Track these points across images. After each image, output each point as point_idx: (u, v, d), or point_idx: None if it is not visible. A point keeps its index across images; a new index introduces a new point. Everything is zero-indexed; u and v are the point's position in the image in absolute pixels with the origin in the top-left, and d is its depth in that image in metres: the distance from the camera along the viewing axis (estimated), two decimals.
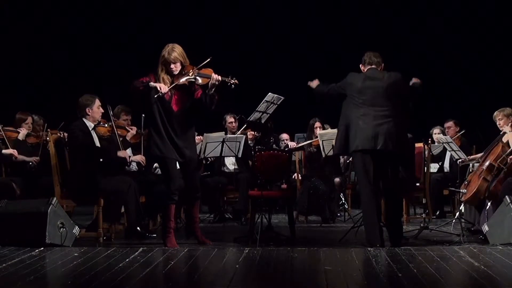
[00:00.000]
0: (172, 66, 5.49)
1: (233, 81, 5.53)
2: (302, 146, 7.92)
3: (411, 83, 5.75)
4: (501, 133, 6.45)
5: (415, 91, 5.74)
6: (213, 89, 5.50)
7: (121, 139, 6.60)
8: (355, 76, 5.70)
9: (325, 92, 5.83)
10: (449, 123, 8.25)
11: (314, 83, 5.94)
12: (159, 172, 7.40)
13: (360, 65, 5.81)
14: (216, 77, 5.47)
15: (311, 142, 7.79)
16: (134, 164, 6.93)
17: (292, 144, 8.05)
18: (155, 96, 5.43)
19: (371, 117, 5.51)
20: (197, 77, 5.53)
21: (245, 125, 7.89)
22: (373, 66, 5.73)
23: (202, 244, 5.72)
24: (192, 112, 5.62)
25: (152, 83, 5.43)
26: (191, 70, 5.52)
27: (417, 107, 6.03)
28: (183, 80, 5.49)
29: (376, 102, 5.54)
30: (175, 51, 5.48)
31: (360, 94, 5.58)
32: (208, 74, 5.53)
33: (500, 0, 10.43)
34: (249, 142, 7.80)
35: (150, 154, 5.68)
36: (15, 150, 6.66)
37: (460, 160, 7.29)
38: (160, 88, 5.40)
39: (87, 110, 6.18)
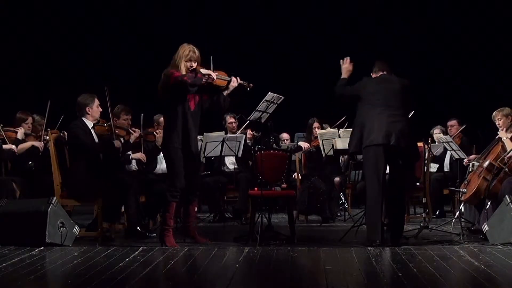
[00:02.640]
0: (194, 64, 5.60)
1: (248, 84, 5.79)
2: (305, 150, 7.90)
3: None
4: (496, 137, 6.44)
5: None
6: (230, 92, 5.72)
7: (123, 141, 6.59)
8: (369, 80, 5.84)
9: (339, 90, 5.85)
10: (452, 122, 8.22)
11: (346, 66, 5.88)
12: (159, 171, 7.43)
13: (372, 74, 5.92)
14: (236, 80, 5.71)
15: (312, 145, 7.77)
16: (134, 163, 6.94)
17: (305, 146, 7.94)
18: (205, 80, 5.58)
19: (385, 116, 5.61)
20: (217, 78, 5.68)
21: (245, 125, 7.89)
22: (384, 72, 5.86)
23: (200, 243, 5.71)
24: (201, 112, 5.74)
25: (204, 70, 5.58)
26: (208, 71, 5.64)
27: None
28: (212, 78, 5.62)
29: (390, 102, 5.66)
30: (197, 51, 5.62)
31: (375, 96, 5.69)
32: (225, 76, 5.72)
33: (500, 0, 10.43)
34: (247, 141, 7.78)
35: (168, 145, 5.61)
36: (14, 146, 6.65)
37: (465, 160, 7.28)
38: (211, 74, 5.59)
39: (87, 109, 6.19)
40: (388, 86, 5.73)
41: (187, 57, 5.57)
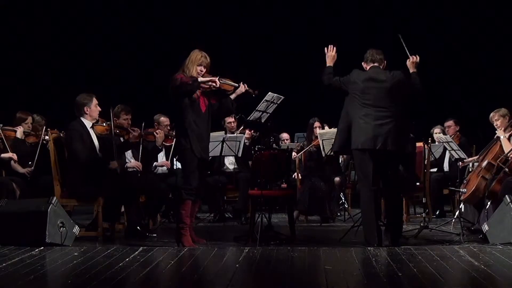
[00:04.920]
0: (204, 70, 5.66)
1: (254, 91, 5.91)
2: (305, 150, 7.89)
3: (407, 62, 5.78)
4: (495, 136, 6.44)
5: (416, 87, 5.74)
6: (236, 96, 5.82)
7: (122, 140, 6.59)
8: (359, 74, 5.69)
9: (326, 80, 5.79)
10: (449, 122, 8.26)
11: (330, 54, 5.87)
12: (159, 171, 7.43)
13: (363, 63, 5.79)
14: (243, 86, 5.82)
15: (313, 145, 7.78)
16: (133, 162, 6.94)
17: (293, 155, 7.97)
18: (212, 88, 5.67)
19: (372, 117, 5.52)
20: (224, 83, 5.77)
21: (243, 125, 7.89)
22: (375, 64, 5.72)
23: (197, 243, 5.70)
24: (211, 115, 5.80)
25: (201, 78, 5.61)
26: (216, 77, 5.71)
27: (422, 97, 5.95)
28: (222, 83, 5.73)
29: (378, 103, 5.55)
30: (208, 58, 5.69)
31: (363, 94, 5.59)
32: (231, 82, 5.82)
33: (501, 0, 10.44)
34: (245, 141, 7.77)
35: (182, 148, 5.63)
36: (14, 154, 6.65)
37: (459, 163, 7.29)
38: (212, 81, 5.63)
39: (85, 109, 6.19)
40: (378, 85, 5.58)
41: (199, 62, 5.63)
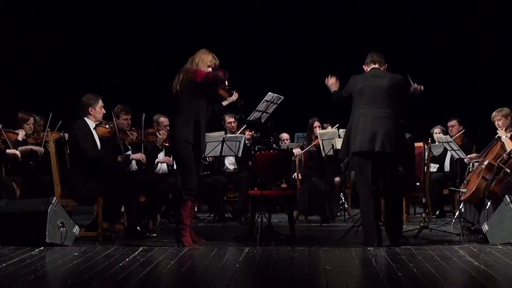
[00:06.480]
0: (211, 70, 5.73)
1: (240, 101, 6.04)
2: (305, 150, 7.90)
3: (411, 89, 5.67)
4: (496, 136, 6.44)
5: (412, 96, 5.72)
6: (227, 103, 5.98)
7: (122, 141, 6.59)
8: (357, 77, 5.72)
9: (333, 99, 5.86)
10: (453, 122, 8.21)
11: (331, 82, 5.91)
12: (159, 171, 7.43)
13: (364, 66, 5.82)
14: (236, 94, 5.97)
15: (313, 145, 7.78)
16: (134, 163, 6.94)
17: (297, 151, 7.98)
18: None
19: (370, 117, 5.52)
20: (223, 89, 5.93)
21: (244, 125, 7.90)
22: (376, 66, 5.74)
23: (197, 243, 5.71)
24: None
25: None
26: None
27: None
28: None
29: (376, 101, 5.55)
30: (217, 59, 5.81)
31: (362, 93, 5.60)
32: (228, 88, 5.96)
33: (501, 1, 10.44)
34: (246, 142, 7.77)
35: (180, 143, 5.62)
36: (18, 152, 6.65)
37: (465, 159, 7.26)
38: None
39: (89, 109, 6.20)
40: (375, 84, 5.58)
41: (210, 63, 5.70)
